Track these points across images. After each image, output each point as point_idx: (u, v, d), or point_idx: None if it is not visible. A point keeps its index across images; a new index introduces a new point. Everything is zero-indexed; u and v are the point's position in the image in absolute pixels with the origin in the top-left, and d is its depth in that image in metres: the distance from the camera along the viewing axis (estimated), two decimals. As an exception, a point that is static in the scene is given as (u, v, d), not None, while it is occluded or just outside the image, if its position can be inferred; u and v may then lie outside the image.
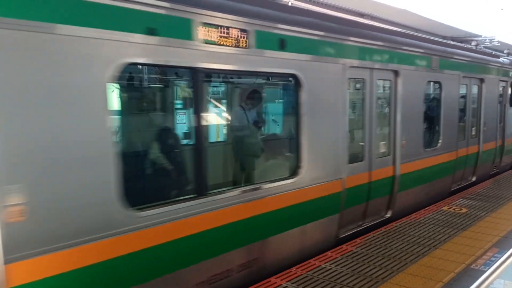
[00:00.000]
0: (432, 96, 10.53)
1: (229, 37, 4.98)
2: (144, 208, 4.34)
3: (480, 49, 13.71)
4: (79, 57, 3.76)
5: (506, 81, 13.40)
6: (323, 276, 5.46)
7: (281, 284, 5.25)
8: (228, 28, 4.96)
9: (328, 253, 6.24)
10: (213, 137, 8.49)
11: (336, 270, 5.64)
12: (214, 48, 4.85)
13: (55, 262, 3.62)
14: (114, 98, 4.66)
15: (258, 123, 7.39)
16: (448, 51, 9.96)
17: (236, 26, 5.04)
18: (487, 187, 10.61)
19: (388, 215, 8.12)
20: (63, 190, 3.69)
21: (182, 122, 7.72)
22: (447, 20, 20.48)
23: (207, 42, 4.77)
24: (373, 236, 6.94)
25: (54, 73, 3.63)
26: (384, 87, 8.31)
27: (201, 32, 4.70)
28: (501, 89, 13.10)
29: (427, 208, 8.69)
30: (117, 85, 5.24)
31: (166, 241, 4.48)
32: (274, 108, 9.31)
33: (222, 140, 8.72)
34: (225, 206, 5.06)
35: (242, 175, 6.90)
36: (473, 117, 11.55)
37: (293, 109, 6.32)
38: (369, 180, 7.57)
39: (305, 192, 6.17)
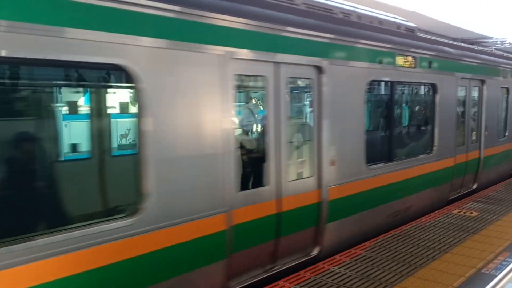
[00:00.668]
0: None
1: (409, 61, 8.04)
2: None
3: (491, 50, 13.44)
4: None
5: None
6: (332, 280, 5.43)
7: (289, 287, 5.24)
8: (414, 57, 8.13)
9: (337, 256, 6.21)
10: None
11: (345, 274, 5.61)
12: (405, 69, 7.94)
13: None
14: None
15: None
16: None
17: (415, 56, 8.18)
18: (498, 191, 10.51)
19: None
20: None
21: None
22: (458, 22, 20.36)
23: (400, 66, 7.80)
24: (382, 240, 6.90)
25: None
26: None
27: (400, 60, 7.83)
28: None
29: (437, 211, 8.63)
30: None
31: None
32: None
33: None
34: None
35: None
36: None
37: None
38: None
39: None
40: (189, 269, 4.73)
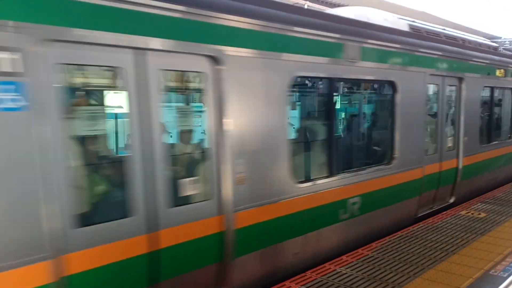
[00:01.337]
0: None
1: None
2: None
3: (499, 50, 12.83)
4: None
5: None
6: (338, 281, 5.41)
7: (295, 288, 5.23)
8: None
9: (344, 257, 6.19)
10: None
11: (352, 275, 5.59)
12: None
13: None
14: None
15: None
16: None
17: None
18: (507, 192, 10.42)
19: None
20: None
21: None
22: (467, 22, 20.25)
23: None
24: (389, 241, 6.87)
25: None
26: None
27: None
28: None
29: (444, 212, 8.58)
30: None
31: None
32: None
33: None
34: None
35: None
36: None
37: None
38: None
39: None
40: None
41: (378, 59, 7.03)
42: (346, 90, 8.92)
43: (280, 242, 5.69)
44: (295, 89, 7.33)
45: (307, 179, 6.24)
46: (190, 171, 5.02)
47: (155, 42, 4.25)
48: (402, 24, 8.59)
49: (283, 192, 5.61)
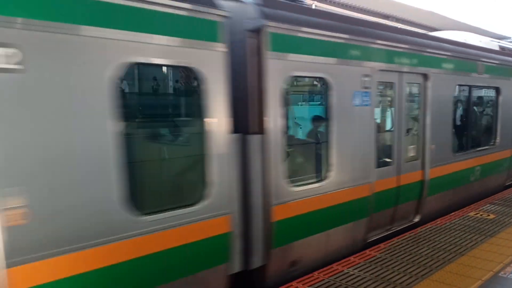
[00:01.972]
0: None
1: None
2: None
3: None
4: None
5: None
6: (346, 282, 5.38)
7: (303, 289, 5.21)
8: None
9: (351, 258, 6.16)
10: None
11: (359, 276, 5.56)
12: None
13: None
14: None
15: None
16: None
17: None
18: (516, 193, 10.35)
19: None
20: None
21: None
22: (475, 22, 20.14)
23: None
24: (398, 242, 6.83)
25: None
26: None
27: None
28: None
29: (453, 213, 8.52)
30: None
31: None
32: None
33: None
34: None
35: None
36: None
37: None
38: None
39: None
40: None
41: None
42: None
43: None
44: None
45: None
46: None
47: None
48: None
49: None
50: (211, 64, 4.71)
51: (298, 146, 6.71)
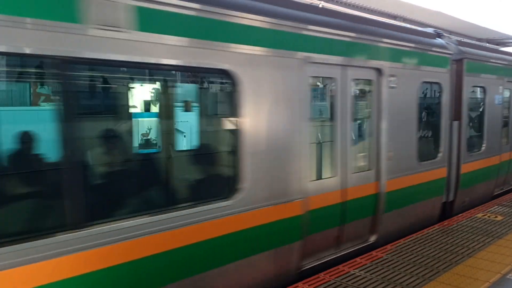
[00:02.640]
0: None
1: None
2: None
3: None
4: None
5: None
6: (352, 283, 5.37)
7: (309, 290, 5.19)
8: None
9: (358, 259, 6.14)
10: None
11: (366, 277, 5.54)
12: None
13: None
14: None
15: None
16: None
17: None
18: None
19: None
20: None
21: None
22: (483, 22, 20.02)
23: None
24: (404, 243, 6.80)
25: None
26: None
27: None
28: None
29: (460, 214, 8.47)
30: None
31: None
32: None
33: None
34: None
35: None
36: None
37: None
38: None
39: None
40: None
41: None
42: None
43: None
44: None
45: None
46: None
47: None
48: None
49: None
50: (445, 80, 8.30)
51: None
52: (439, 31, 9.07)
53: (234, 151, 5.04)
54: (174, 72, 5.52)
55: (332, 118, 6.36)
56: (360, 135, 7.09)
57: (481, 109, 9.97)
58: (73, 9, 3.72)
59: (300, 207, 5.64)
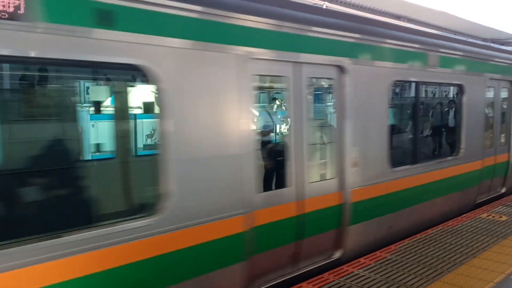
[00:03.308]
0: None
1: None
2: None
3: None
4: None
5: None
6: (356, 283, 5.38)
7: (313, 290, 5.20)
8: None
9: (361, 259, 6.15)
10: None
11: (370, 277, 5.55)
12: None
13: None
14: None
15: None
16: None
17: None
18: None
19: None
20: None
21: None
22: (488, 22, 19.95)
23: None
24: (408, 243, 6.80)
25: None
26: None
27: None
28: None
29: (464, 215, 8.45)
30: None
31: None
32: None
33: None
34: None
35: None
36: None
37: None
38: None
39: None
40: None
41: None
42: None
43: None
44: None
45: None
46: None
47: None
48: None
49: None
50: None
51: None
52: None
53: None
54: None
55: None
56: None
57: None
58: None
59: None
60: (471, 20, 19.59)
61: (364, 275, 5.61)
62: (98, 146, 6.53)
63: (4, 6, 3.33)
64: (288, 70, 5.56)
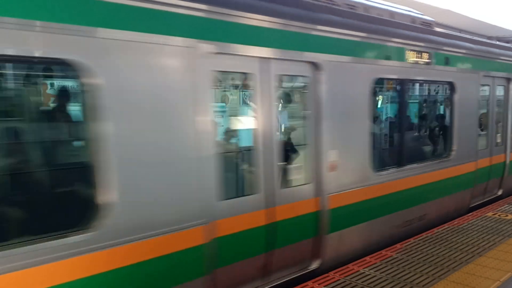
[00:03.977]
0: None
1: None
2: None
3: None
4: None
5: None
6: (362, 282, 5.36)
7: (318, 289, 5.20)
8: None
9: (367, 258, 6.14)
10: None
11: (375, 276, 5.54)
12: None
13: None
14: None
15: None
16: None
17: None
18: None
19: None
20: None
21: None
22: (492, 20, 19.87)
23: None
24: (414, 242, 6.78)
25: None
26: None
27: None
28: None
29: (470, 214, 8.42)
30: None
31: None
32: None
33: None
34: None
35: None
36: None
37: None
38: None
39: None
40: None
41: None
42: None
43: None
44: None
45: None
46: None
47: None
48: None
49: None
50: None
51: None
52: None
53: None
54: None
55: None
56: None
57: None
58: None
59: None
60: (476, 18, 19.52)
61: (369, 274, 5.59)
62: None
63: None
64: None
